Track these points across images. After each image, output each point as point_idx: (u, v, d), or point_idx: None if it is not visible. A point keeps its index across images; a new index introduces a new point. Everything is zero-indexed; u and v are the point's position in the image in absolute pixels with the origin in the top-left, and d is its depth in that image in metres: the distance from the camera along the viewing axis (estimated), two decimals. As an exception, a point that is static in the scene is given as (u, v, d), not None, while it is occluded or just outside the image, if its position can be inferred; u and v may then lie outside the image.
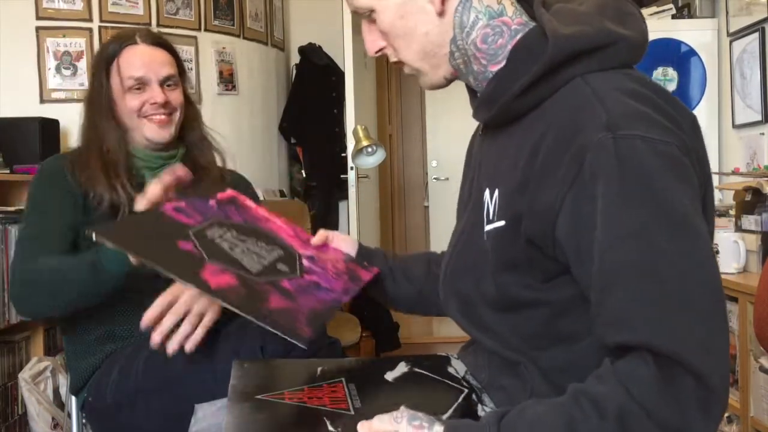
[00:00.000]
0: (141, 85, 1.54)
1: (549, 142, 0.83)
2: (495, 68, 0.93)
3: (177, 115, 1.60)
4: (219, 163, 1.70)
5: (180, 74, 1.63)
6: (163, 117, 1.56)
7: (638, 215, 0.77)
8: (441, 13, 0.92)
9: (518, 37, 0.91)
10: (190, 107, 1.67)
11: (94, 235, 0.95)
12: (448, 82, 1.00)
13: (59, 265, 1.41)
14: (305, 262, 1.13)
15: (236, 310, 0.93)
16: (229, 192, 1.22)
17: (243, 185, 1.76)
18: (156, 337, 1.20)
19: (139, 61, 1.54)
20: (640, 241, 0.77)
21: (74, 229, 1.49)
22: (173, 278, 0.98)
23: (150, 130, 1.56)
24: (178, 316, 1.22)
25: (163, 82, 1.57)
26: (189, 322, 1.23)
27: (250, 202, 1.26)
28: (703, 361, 0.74)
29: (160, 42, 1.59)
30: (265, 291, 0.98)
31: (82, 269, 1.37)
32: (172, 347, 1.22)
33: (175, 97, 1.59)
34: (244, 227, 1.14)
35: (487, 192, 0.94)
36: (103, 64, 1.56)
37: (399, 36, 0.95)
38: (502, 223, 0.89)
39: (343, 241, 1.29)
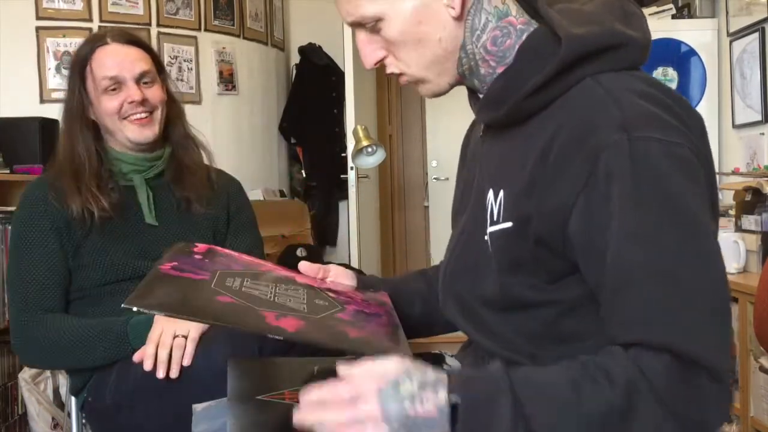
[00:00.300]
0: (116, 84, 1.51)
1: (561, 142, 0.83)
2: (503, 69, 0.92)
3: (158, 114, 1.56)
4: (206, 161, 1.68)
5: (158, 71, 1.59)
6: (143, 116, 1.53)
7: (653, 217, 0.78)
8: (459, 18, 0.90)
9: (524, 36, 0.91)
10: (173, 104, 1.63)
11: (134, 308, 0.86)
12: (451, 87, 0.98)
13: (81, 332, 1.44)
14: (330, 294, 1.07)
15: (328, 346, 0.88)
16: (202, 246, 1.14)
17: (234, 188, 1.75)
18: (161, 373, 1.33)
19: (111, 60, 1.51)
20: (654, 242, 0.78)
21: (63, 259, 1.50)
22: (242, 330, 0.91)
23: (131, 131, 1.53)
24: (167, 347, 1.33)
25: (139, 80, 1.52)
26: (178, 347, 1.34)
27: (228, 250, 1.18)
28: (718, 359, 0.77)
29: (131, 40, 1.55)
30: (334, 325, 0.92)
31: (106, 341, 1.43)
32: (173, 372, 1.33)
33: (154, 94, 1.55)
34: (252, 273, 1.07)
35: (490, 193, 0.93)
36: (75, 69, 1.53)
37: (409, 44, 0.91)
38: (508, 224, 0.89)
39: (342, 274, 1.17)
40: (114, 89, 1.51)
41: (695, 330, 0.77)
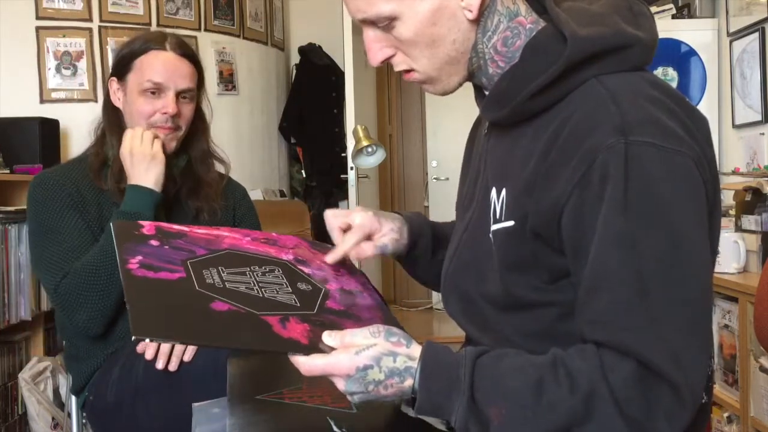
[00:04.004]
0: (157, 90, 1.52)
1: (561, 141, 0.83)
2: (509, 68, 0.91)
3: (182, 132, 1.58)
4: (222, 170, 1.69)
5: (198, 87, 1.60)
6: (168, 128, 1.54)
7: (636, 224, 0.78)
8: (475, 20, 0.89)
9: (531, 35, 0.91)
10: (200, 122, 1.65)
11: (146, 339, 0.84)
12: (459, 86, 0.98)
13: (98, 255, 1.42)
14: (304, 269, 1.05)
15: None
16: (149, 226, 1.05)
17: (240, 194, 1.76)
18: (160, 364, 1.34)
19: (163, 66, 1.52)
20: (633, 249, 0.78)
21: (87, 227, 1.48)
22: (255, 351, 0.87)
23: None
24: None
25: (179, 94, 1.54)
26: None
27: (176, 226, 1.10)
28: (674, 372, 0.77)
29: (187, 53, 1.56)
30: (335, 323, 0.91)
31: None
32: (172, 365, 1.34)
33: (187, 111, 1.57)
34: (221, 258, 1.01)
35: (493, 191, 0.93)
36: (121, 59, 1.54)
37: (422, 44, 0.90)
38: (510, 223, 0.89)
39: (371, 221, 1.09)
40: (153, 93, 1.52)
41: (660, 341, 0.77)
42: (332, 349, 0.83)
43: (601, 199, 0.79)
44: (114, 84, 1.57)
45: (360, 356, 0.82)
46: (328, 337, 0.85)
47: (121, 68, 1.55)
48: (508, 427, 0.80)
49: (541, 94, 0.86)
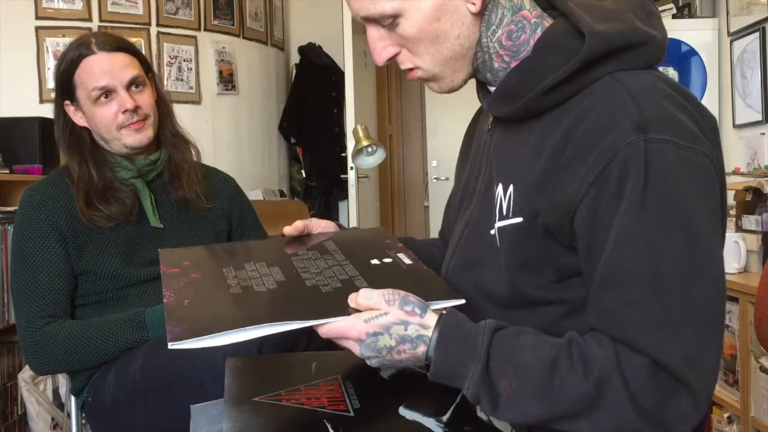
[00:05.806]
0: (107, 93, 1.51)
1: (577, 137, 0.83)
2: (517, 64, 0.91)
3: (151, 119, 1.57)
4: (194, 157, 1.69)
5: (146, 72, 1.59)
6: (138, 122, 1.53)
7: (655, 222, 0.78)
8: (478, 13, 0.89)
9: (539, 30, 0.91)
10: (163, 105, 1.63)
11: (172, 346, 0.82)
12: (465, 83, 0.97)
13: (94, 330, 1.45)
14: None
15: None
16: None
17: (232, 189, 1.76)
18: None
19: (99, 69, 1.50)
20: (651, 248, 0.78)
21: (68, 263, 1.49)
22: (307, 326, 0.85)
23: (128, 137, 1.53)
24: None
25: (129, 86, 1.53)
26: None
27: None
28: (690, 374, 0.77)
29: (118, 46, 1.55)
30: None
31: (123, 332, 1.44)
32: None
33: (145, 100, 1.55)
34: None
35: (499, 187, 0.93)
36: (62, 77, 1.53)
37: (427, 41, 0.90)
38: (519, 220, 0.88)
39: (326, 226, 1.20)
40: (106, 97, 1.51)
41: (676, 343, 0.77)
42: (353, 308, 0.86)
43: (619, 197, 0.79)
44: (70, 107, 1.56)
45: (369, 324, 0.84)
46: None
47: (67, 90, 1.53)
48: (517, 401, 0.80)
49: (555, 89, 0.86)
